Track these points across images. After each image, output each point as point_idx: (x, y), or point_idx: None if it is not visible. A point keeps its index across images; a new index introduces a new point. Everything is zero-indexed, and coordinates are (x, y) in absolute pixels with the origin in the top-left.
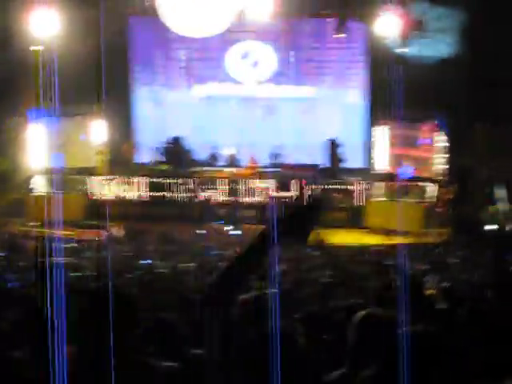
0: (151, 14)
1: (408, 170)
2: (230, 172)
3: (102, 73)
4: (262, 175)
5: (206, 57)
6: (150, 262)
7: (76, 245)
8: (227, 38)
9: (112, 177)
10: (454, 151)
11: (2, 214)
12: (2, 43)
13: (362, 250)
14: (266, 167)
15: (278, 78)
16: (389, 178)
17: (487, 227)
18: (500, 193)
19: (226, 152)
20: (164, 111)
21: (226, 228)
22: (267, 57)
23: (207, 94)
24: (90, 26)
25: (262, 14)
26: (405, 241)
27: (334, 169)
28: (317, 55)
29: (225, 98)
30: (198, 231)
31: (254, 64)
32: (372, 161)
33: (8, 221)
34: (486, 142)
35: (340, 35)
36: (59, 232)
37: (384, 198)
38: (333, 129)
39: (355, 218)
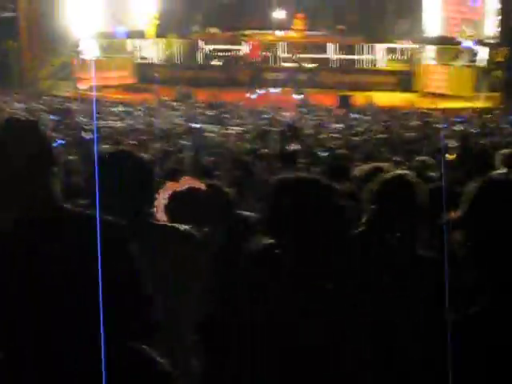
0: None
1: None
2: (282, 35)
3: None
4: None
5: None
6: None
7: (124, 108)
8: None
9: (161, 39)
10: (506, 13)
11: (51, 77)
12: None
13: (411, 112)
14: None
15: None
16: (440, 40)
17: None
18: None
19: (276, 15)
20: None
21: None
22: None
23: None
24: None
25: None
26: (455, 105)
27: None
28: None
29: None
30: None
31: None
32: (423, 23)
33: (57, 83)
34: None
35: None
36: (108, 95)
37: (435, 62)
38: None
39: (405, 82)
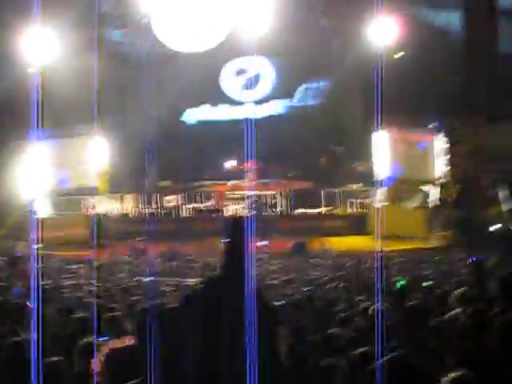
0: None
1: (397, 169)
2: (232, 184)
3: (94, 93)
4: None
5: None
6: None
7: (78, 266)
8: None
9: (113, 195)
10: (455, 153)
11: (5, 237)
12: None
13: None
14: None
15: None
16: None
17: (491, 228)
18: (503, 193)
19: (226, 165)
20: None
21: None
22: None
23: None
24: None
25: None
26: (408, 245)
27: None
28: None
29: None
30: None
31: (251, 81)
32: (373, 166)
33: (11, 243)
34: (487, 142)
35: None
36: (61, 253)
37: (386, 203)
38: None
39: (359, 224)
